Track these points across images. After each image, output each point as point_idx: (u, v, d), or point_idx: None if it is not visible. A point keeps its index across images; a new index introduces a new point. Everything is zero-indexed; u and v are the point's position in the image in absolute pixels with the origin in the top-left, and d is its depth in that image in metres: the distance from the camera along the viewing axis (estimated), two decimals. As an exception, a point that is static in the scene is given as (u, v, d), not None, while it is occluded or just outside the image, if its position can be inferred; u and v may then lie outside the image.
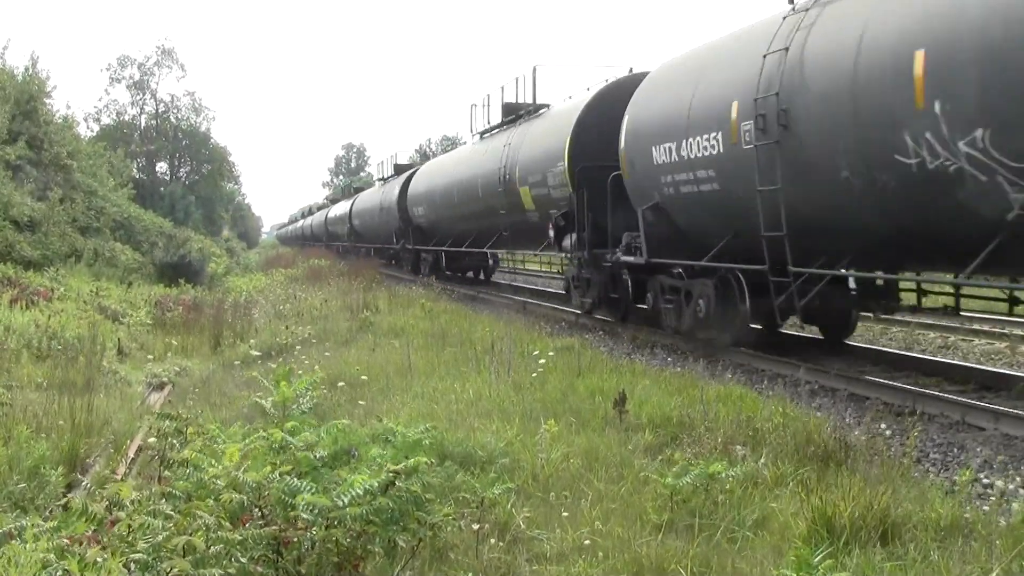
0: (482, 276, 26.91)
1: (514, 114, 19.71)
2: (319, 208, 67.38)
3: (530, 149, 17.01)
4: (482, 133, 22.34)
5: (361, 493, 3.55)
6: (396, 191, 29.54)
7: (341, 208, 47.21)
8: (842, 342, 11.27)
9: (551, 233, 15.29)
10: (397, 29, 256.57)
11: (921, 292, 9.76)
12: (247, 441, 4.12)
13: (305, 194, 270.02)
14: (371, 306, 15.79)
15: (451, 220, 23.56)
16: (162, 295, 18.65)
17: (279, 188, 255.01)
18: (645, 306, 12.89)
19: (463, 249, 23.05)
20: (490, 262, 26.25)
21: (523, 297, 19.62)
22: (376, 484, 3.62)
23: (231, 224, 70.17)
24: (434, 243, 25.69)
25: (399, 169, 34.82)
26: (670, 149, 11.00)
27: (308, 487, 3.63)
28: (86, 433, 6.32)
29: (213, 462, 3.77)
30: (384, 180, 36.87)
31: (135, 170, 48.91)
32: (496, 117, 21.11)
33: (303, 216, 78.48)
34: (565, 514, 4.82)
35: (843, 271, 9.46)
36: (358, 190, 49.05)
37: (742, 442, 6.08)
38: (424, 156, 44.27)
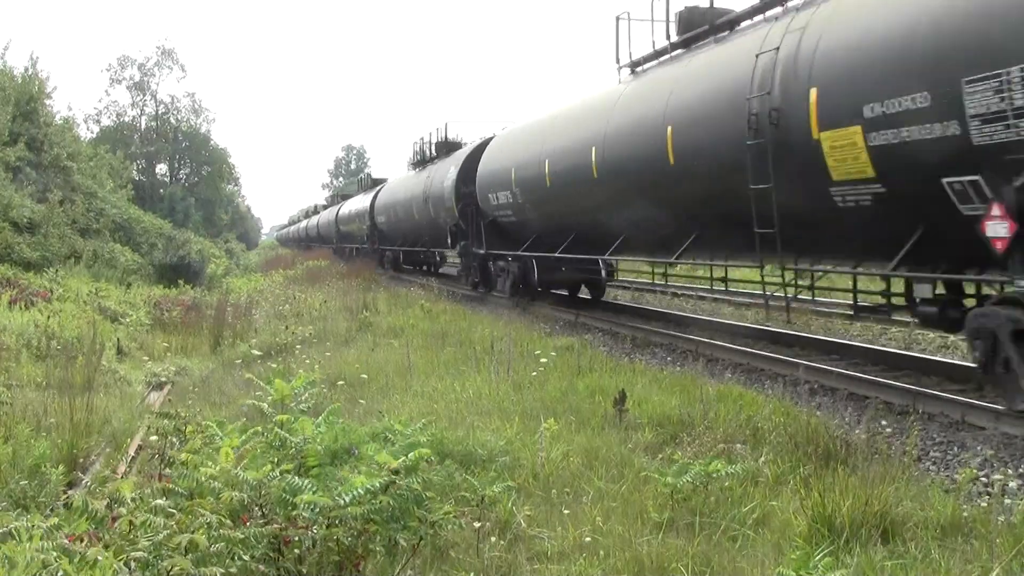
0: (586, 294, 18.15)
1: (698, 28, 11.20)
2: (324, 207, 62.17)
3: (882, 41, 7.24)
4: (636, 63, 13.20)
5: (362, 492, 3.55)
6: (452, 175, 20.79)
7: (358, 203, 38.50)
8: None
9: None
10: (397, 30, 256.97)
11: None
12: (244, 437, 4.11)
13: (304, 196, 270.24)
14: (370, 306, 15.82)
15: (573, 208, 14.50)
16: (161, 296, 18.68)
17: (278, 190, 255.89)
18: None
19: (607, 256, 13.79)
20: (602, 274, 17.10)
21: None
22: (378, 484, 3.62)
23: (230, 226, 70.08)
24: (526, 247, 16.85)
25: (445, 148, 25.09)
26: None
27: (309, 486, 3.63)
28: (86, 432, 6.32)
29: (209, 463, 3.76)
30: (423, 163, 26.69)
31: (135, 172, 49.07)
32: (660, 37, 12.30)
33: (306, 216, 74.49)
34: (566, 512, 4.83)
35: None
36: (376, 182, 39.85)
37: (742, 441, 6.08)
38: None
